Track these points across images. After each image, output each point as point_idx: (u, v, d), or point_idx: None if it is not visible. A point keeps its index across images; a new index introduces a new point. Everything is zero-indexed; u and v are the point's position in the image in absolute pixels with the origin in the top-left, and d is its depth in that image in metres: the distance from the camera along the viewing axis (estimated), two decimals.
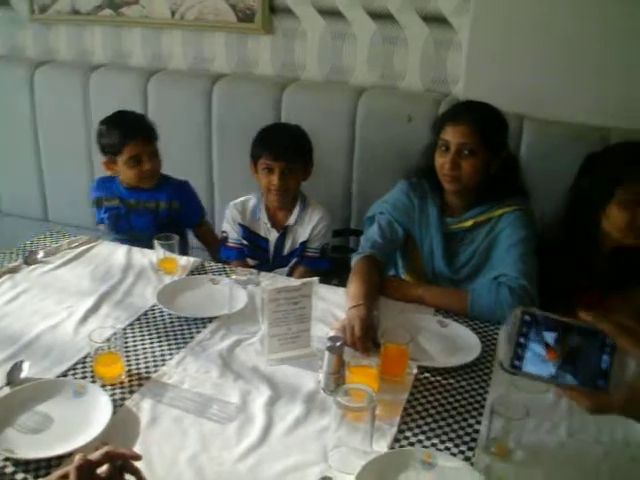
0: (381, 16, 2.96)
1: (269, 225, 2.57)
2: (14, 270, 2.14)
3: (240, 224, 2.58)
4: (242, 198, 2.63)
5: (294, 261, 2.57)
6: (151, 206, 2.68)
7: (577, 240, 2.05)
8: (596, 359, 0.89)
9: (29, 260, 2.20)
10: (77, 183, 3.46)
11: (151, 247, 2.19)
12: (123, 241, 2.51)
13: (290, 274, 2.54)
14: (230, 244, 2.59)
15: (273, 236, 2.57)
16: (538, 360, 0.91)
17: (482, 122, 2.10)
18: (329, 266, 2.56)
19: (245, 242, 2.59)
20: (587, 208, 2.02)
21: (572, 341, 0.90)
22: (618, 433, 1.46)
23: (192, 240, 2.88)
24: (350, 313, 1.82)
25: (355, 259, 2.14)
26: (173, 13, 3.35)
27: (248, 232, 2.59)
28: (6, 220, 3.85)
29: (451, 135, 2.10)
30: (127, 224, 2.70)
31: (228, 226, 2.60)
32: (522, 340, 0.92)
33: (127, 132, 2.58)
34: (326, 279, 2.33)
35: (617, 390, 0.87)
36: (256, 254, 2.60)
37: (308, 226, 2.54)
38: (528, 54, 2.62)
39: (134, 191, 2.68)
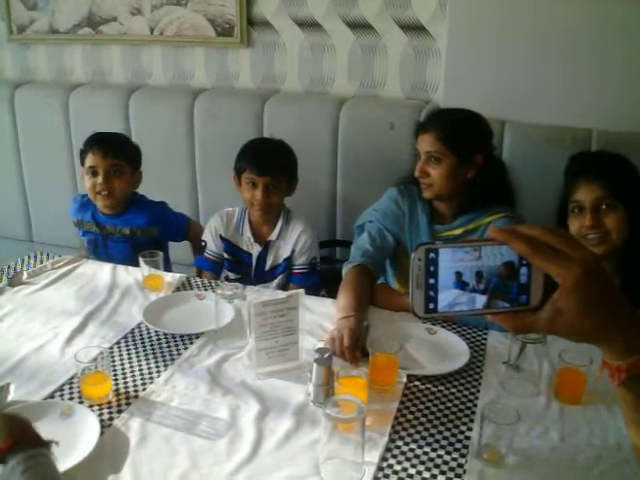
0: (359, 26, 2.98)
1: (252, 240, 2.55)
2: None
3: (222, 237, 2.56)
4: (228, 209, 2.60)
5: (280, 278, 2.54)
6: (126, 233, 2.64)
7: None
8: (514, 274, 0.84)
9: (13, 282, 2.18)
10: (61, 203, 3.42)
11: None
12: None
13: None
14: (207, 255, 2.57)
15: (256, 250, 2.54)
16: (453, 295, 0.84)
17: (447, 129, 2.12)
18: (318, 280, 2.54)
19: (226, 256, 2.57)
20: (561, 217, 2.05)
21: (486, 264, 0.83)
22: (610, 436, 1.45)
23: (172, 255, 2.85)
24: (340, 324, 1.82)
25: (346, 268, 2.14)
26: (152, 30, 3.35)
27: (230, 245, 2.57)
28: None
29: (420, 144, 2.16)
30: (105, 253, 2.67)
31: (209, 236, 2.57)
32: (432, 281, 0.84)
33: (92, 142, 2.57)
34: (314, 290, 2.33)
35: (541, 305, 0.83)
36: (237, 268, 2.57)
37: (289, 242, 2.51)
38: (506, 59, 2.64)
39: (110, 216, 2.65)
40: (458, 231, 2.17)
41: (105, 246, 2.67)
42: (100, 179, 2.53)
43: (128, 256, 2.48)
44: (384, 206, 2.28)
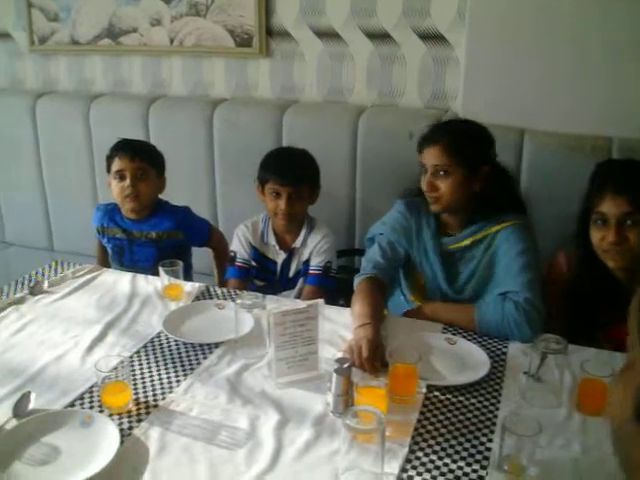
0: (378, 35, 2.98)
1: (277, 247, 2.57)
2: (19, 301, 2.14)
3: (251, 244, 2.58)
4: (252, 219, 2.63)
5: (300, 282, 2.56)
6: (153, 237, 2.67)
7: (589, 267, 2.00)
8: None
9: (34, 290, 2.20)
10: (81, 212, 3.47)
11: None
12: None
13: (298, 296, 2.52)
14: (238, 264, 2.59)
15: (281, 258, 2.57)
16: None
17: (455, 142, 2.09)
18: (334, 285, 2.55)
19: (253, 263, 2.59)
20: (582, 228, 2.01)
21: None
22: None
23: (196, 264, 2.87)
24: (357, 333, 1.82)
25: (357, 280, 2.13)
26: (172, 40, 3.37)
27: (257, 254, 2.59)
28: (11, 250, 3.86)
29: (426, 158, 2.12)
30: (130, 258, 2.71)
31: (239, 245, 2.59)
32: None
33: (119, 147, 2.63)
34: (333, 299, 2.33)
35: None
36: (263, 275, 2.60)
37: (311, 246, 2.54)
38: (526, 67, 2.63)
39: (136, 221, 2.69)
40: (467, 242, 2.15)
41: (131, 251, 2.71)
42: (128, 182, 2.57)
43: (153, 261, 2.49)
44: (393, 219, 2.27)
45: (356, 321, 1.88)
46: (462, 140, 2.11)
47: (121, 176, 2.59)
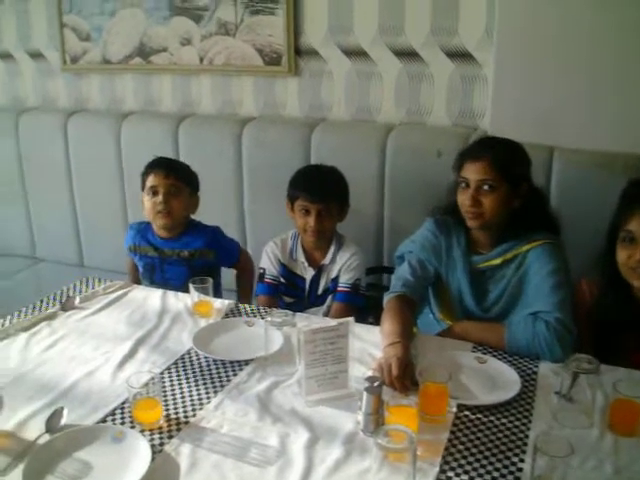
0: (406, 54, 2.99)
1: (306, 264, 2.58)
2: (51, 316, 2.16)
3: (280, 261, 2.60)
4: (281, 236, 2.66)
5: (329, 299, 2.57)
6: (185, 255, 2.69)
7: (614, 287, 1.98)
8: None
9: (66, 306, 2.22)
10: (111, 229, 3.51)
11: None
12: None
13: (327, 313, 2.54)
14: (267, 280, 2.61)
15: (309, 274, 2.59)
16: None
17: (500, 157, 2.08)
18: (363, 303, 2.55)
19: (282, 280, 2.61)
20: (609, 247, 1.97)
21: None
22: None
23: (224, 280, 2.88)
24: (386, 352, 1.81)
25: (387, 298, 2.12)
26: (201, 59, 3.41)
27: (286, 270, 2.61)
28: (42, 266, 3.89)
29: (470, 172, 2.09)
30: (161, 277, 2.73)
31: (268, 262, 2.62)
32: None
33: (154, 165, 2.66)
34: (362, 317, 2.33)
35: None
36: (292, 292, 2.62)
37: (340, 263, 2.55)
38: (554, 85, 2.62)
39: (167, 239, 2.71)
40: (497, 261, 2.14)
41: (162, 269, 2.73)
42: (160, 198, 2.60)
43: (184, 279, 2.49)
44: (422, 237, 2.26)
45: (385, 339, 1.87)
46: (507, 156, 2.11)
47: (154, 192, 2.61)
